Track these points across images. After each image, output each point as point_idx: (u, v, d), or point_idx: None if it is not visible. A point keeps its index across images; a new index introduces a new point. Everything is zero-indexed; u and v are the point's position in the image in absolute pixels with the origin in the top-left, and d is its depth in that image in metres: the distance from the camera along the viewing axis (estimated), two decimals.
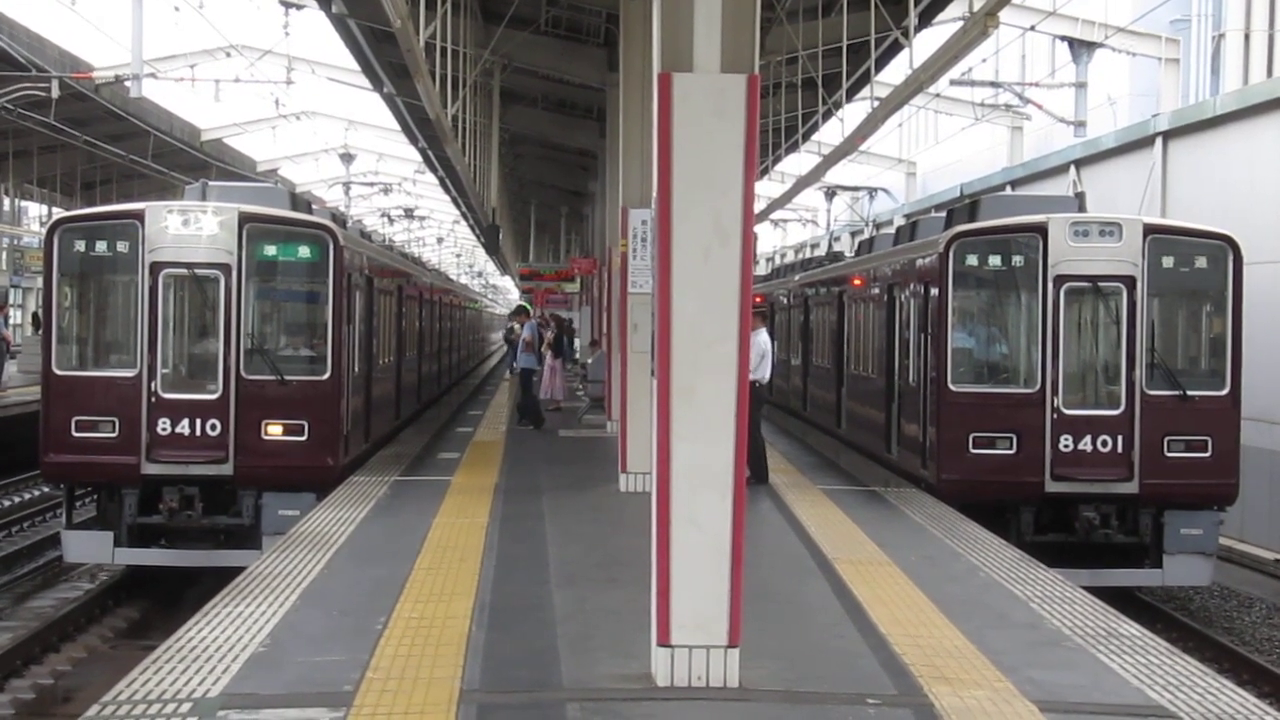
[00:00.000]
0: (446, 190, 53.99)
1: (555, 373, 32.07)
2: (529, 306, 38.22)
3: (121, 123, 39.00)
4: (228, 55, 38.78)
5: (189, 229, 18.36)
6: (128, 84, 33.48)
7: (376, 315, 22.66)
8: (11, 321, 39.13)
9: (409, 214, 65.28)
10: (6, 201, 44.87)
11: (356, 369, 20.44)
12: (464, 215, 64.02)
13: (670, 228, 8.79)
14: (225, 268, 18.34)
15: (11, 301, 40.77)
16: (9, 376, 35.81)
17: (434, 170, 47.92)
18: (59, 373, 18.54)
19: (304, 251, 18.80)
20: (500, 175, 33.79)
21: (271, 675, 9.21)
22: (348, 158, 52.02)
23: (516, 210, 53.41)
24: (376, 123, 48.51)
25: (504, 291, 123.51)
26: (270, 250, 18.72)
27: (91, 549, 18.79)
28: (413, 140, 41.90)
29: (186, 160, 44.21)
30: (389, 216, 64.46)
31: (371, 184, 56.05)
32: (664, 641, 8.83)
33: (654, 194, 9.00)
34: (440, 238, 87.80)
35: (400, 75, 29.35)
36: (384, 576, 12.49)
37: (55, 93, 30.83)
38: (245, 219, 18.49)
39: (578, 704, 8.59)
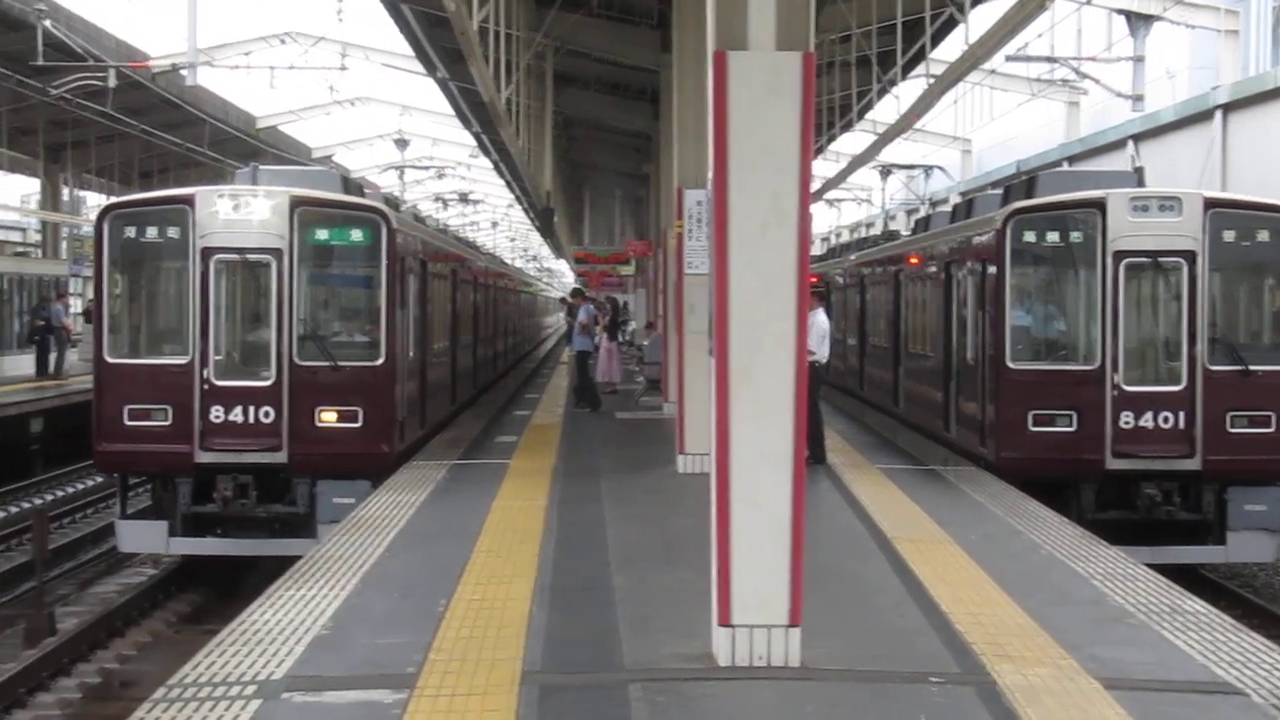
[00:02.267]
0: (501, 174, 54.04)
1: (611, 355, 32.08)
2: (585, 290, 38.14)
3: (177, 111, 39.20)
4: (282, 42, 38.91)
5: (240, 214, 18.09)
6: (183, 72, 33.63)
7: (430, 299, 22.38)
8: (71, 310, 39.39)
9: (463, 198, 65.37)
10: (65, 191, 45.17)
11: (411, 354, 20.19)
12: (518, 199, 64.10)
13: (727, 207, 8.77)
14: (277, 252, 18.05)
15: (72, 290, 41.07)
16: (70, 365, 36.10)
17: (488, 154, 47.98)
18: (111, 361, 18.30)
19: (356, 235, 18.49)
20: (554, 158, 33.80)
21: (335, 657, 9.26)
22: (402, 143, 52.11)
23: (570, 193, 53.42)
24: (430, 108, 48.53)
25: (558, 275, 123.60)
26: (322, 234, 18.43)
27: (146, 538, 18.62)
28: (466, 125, 41.98)
29: (242, 148, 44.41)
30: (443, 201, 64.57)
31: (425, 168, 56.11)
32: (725, 621, 8.82)
33: (710, 173, 8.98)
34: (495, 222, 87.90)
35: (454, 60, 29.40)
36: (444, 559, 12.52)
37: (112, 82, 31.02)
38: (297, 203, 18.23)
39: (640, 684, 8.59)
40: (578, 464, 19.37)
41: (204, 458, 17.89)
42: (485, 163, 54.44)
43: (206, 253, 18.04)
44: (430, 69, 31.93)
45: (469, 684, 8.59)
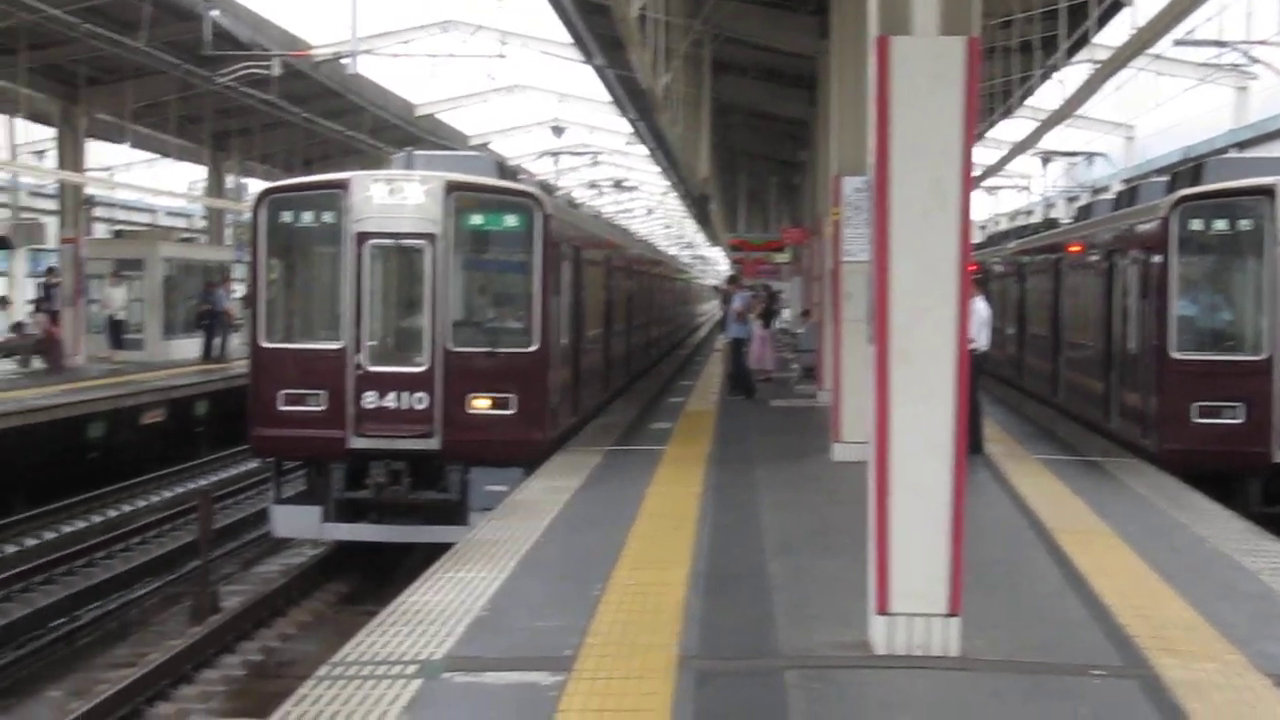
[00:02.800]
0: (656, 161, 54.14)
1: (766, 343, 32.01)
2: (740, 277, 38.09)
3: (338, 99, 39.72)
4: (443, 30, 39.26)
5: (394, 198, 18.04)
6: (344, 61, 34.16)
7: (584, 286, 22.25)
8: (234, 295, 40.11)
9: (618, 185, 65.54)
10: (230, 179, 45.99)
11: (564, 341, 20.03)
12: (673, 186, 64.16)
13: (888, 193, 8.71)
14: (431, 238, 17.97)
15: (235, 276, 41.81)
16: (232, 349, 36.80)
17: (644, 142, 48.08)
18: (266, 346, 18.35)
19: (510, 220, 18.37)
20: (710, 145, 33.76)
21: (494, 639, 9.35)
22: (559, 130, 52.37)
23: (726, 181, 53.33)
24: (587, 95, 48.73)
25: (712, 263, 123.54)
26: (476, 219, 18.34)
27: (300, 524, 18.61)
28: (623, 112, 42.09)
29: (400, 135, 44.88)
30: (598, 187, 64.81)
31: (579, 153, 56.27)
32: (883, 609, 8.77)
33: (871, 159, 8.92)
34: (650, 209, 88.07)
35: (611, 47, 29.48)
36: (600, 544, 12.58)
37: (276, 71, 31.52)
38: (451, 187, 18.15)
39: (796, 671, 8.57)
40: (732, 451, 19.35)
41: (357, 443, 17.90)
42: (641, 149, 54.55)
43: (361, 237, 18.00)
44: (588, 56, 32.06)
45: (625, 668, 8.62)
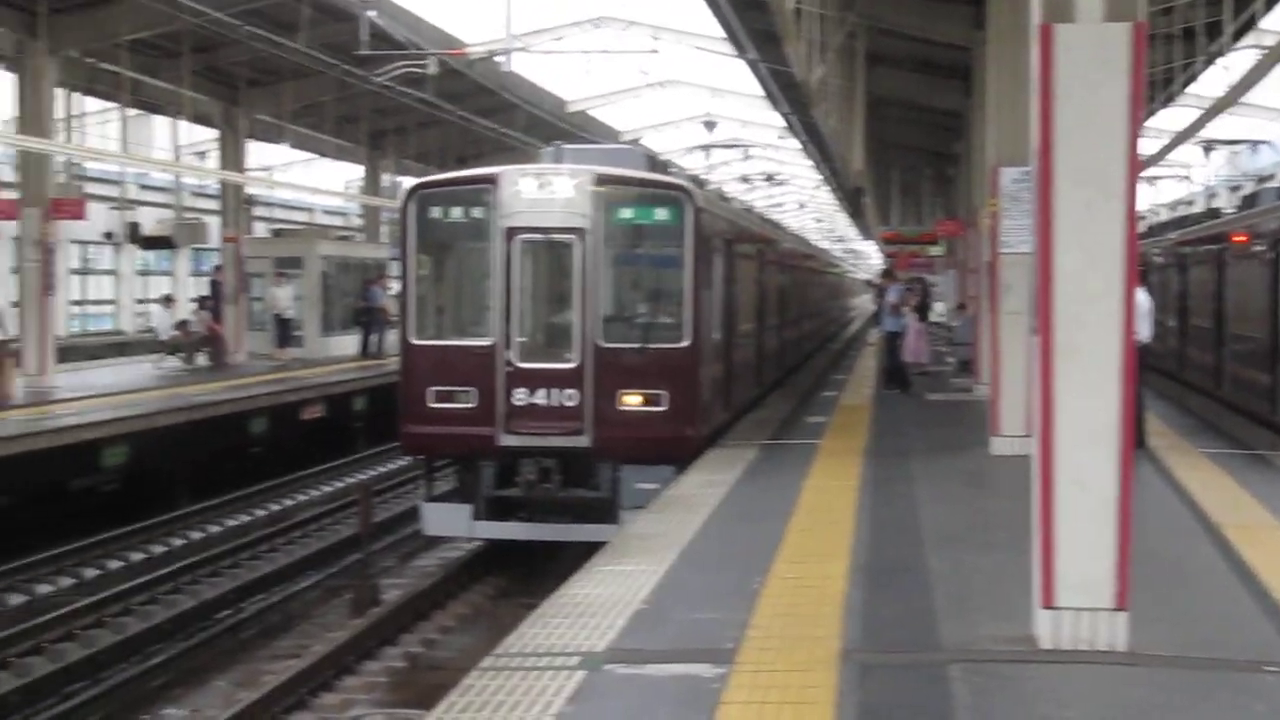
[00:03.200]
0: (809, 155, 53.90)
1: (921, 336, 31.75)
2: (894, 270, 37.83)
3: (493, 97, 40.07)
4: (596, 26, 39.45)
5: (544, 192, 17.86)
6: (499, 59, 34.45)
7: (735, 280, 21.91)
8: (390, 292, 40.63)
9: (770, 179, 65.39)
10: (385, 177, 46.56)
11: (716, 336, 19.76)
12: (826, 180, 63.86)
13: (1051, 183, 8.61)
14: (580, 232, 17.78)
15: (392, 273, 42.34)
16: (389, 345, 37.27)
17: (796, 135, 47.88)
18: (416, 343, 18.26)
19: (661, 214, 18.12)
20: (863, 138, 33.54)
21: (655, 631, 9.38)
22: (710, 125, 52.37)
23: (878, 174, 52.98)
24: (739, 89, 48.66)
25: (864, 256, 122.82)
26: (626, 213, 18.10)
27: (450, 522, 18.53)
28: (775, 106, 41.94)
29: (553, 132, 45.07)
30: (750, 182, 64.71)
31: (730, 146, 56.22)
32: (1048, 603, 8.67)
33: (1033, 150, 8.81)
34: (802, 203, 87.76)
35: (764, 41, 29.38)
36: (758, 537, 12.57)
37: (432, 70, 31.88)
38: (601, 181, 17.96)
39: (960, 665, 8.50)
40: (888, 445, 19.24)
41: (507, 441, 17.79)
42: (793, 143, 54.35)
43: (510, 233, 17.85)
44: (740, 50, 31.98)
45: (788, 661, 8.61)
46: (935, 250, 48.35)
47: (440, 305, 18.95)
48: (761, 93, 40.93)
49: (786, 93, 35.91)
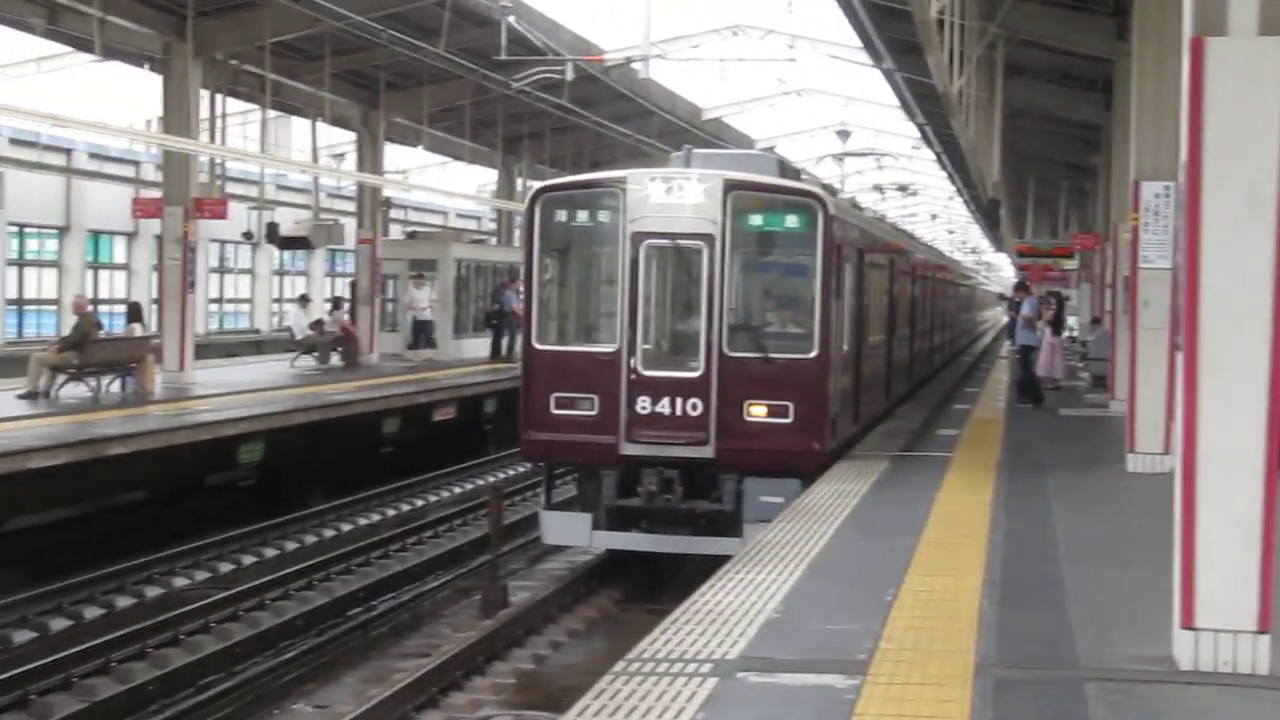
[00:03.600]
0: (943, 166, 53.54)
1: (1055, 350, 31.43)
2: (1028, 283, 37.48)
3: (628, 103, 40.23)
4: (734, 34, 39.48)
5: (672, 197, 17.41)
6: (635, 65, 34.58)
7: (866, 290, 21.42)
8: (522, 296, 40.86)
9: (903, 190, 65.05)
10: (519, 181, 46.91)
11: (845, 347, 19.25)
12: (959, 191, 63.39)
13: (1200, 199, 8.49)
14: (709, 238, 17.32)
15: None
16: (520, 349, 37.47)
17: (930, 146, 47.60)
18: (539, 348, 17.92)
19: (792, 221, 17.68)
20: (1000, 150, 33.27)
21: (786, 641, 9.36)
22: (844, 134, 52.22)
23: (1013, 186, 52.51)
24: (874, 99, 48.52)
25: (996, 269, 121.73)
26: (756, 220, 17.68)
27: (570, 531, 18.15)
28: (910, 116, 41.73)
29: (687, 139, 45.09)
30: (882, 191, 64.39)
31: (862, 155, 55.93)
32: (1188, 624, 8.55)
33: (1182, 165, 8.70)
34: (934, 214, 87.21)
35: (901, 51, 29.25)
36: (890, 549, 12.51)
37: (569, 76, 32.08)
38: (730, 186, 17.43)
39: (1097, 683, 8.41)
40: (1022, 459, 19.06)
41: (629, 450, 17.38)
42: (927, 154, 54.05)
43: (637, 238, 17.44)
44: (877, 60, 31.86)
45: (921, 673, 8.56)
46: (1069, 264, 47.83)
47: (564, 310, 18.74)
48: (896, 102, 40.77)
49: (922, 103, 35.72)
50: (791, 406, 17.30)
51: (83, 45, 28.41)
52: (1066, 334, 42.81)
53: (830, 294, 17.66)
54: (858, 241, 20.48)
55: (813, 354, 17.53)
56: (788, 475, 17.02)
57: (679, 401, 17.31)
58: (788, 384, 17.37)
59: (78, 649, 15.00)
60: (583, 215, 17.99)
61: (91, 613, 17.48)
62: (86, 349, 24.11)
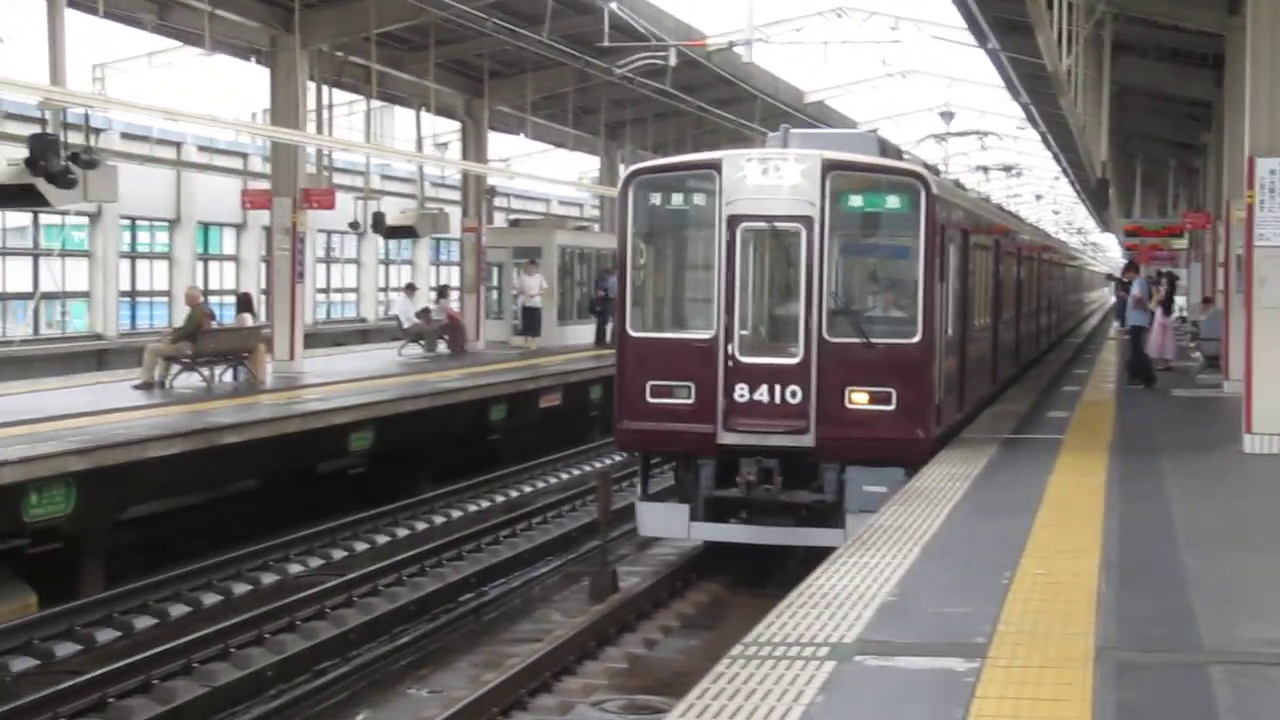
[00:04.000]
0: (1048, 146, 53.04)
1: (1166, 330, 31.04)
2: (1138, 263, 37.03)
3: (730, 87, 40.13)
4: (837, 16, 39.26)
5: (769, 178, 16.93)
6: (738, 50, 34.48)
7: (971, 272, 20.80)
8: None
9: (1007, 170, 64.48)
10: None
11: (949, 331, 18.63)
12: (1064, 172, 62.75)
13: None
14: (807, 220, 16.82)
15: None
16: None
17: (1035, 126, 47.15)
18: (633, 335, 17.53)
19: (893, 201, 17.17)
20: (1108, 129, 32.86)
21: (903, 624, 9.31)
22: (948, 115, 51.79)
23: (1121, 165, 51.90)
24: (978, 79, 48.09)
25: (1101, 249, 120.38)
26: (856, 200, 17.16)
27: (666, 522, 17.88)
28: (1015, 96, 41.36)
29: (790, 123, 45.06)
30: (985, 171, 63.84)
31: (964, 134, 55.38)
32: None
33: None
34: (1039, 194, 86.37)
35: (1005, 30, 29.04)
36: (1004, 532, 12.41)
37: (672, 61, 32.04)
38: (829, 166, 16.90)
39: (1222, 666, 8.29)
40: (1134, 441, 18.83)
41: (727, 439, 17.00)
42: (1031, 135, 53.54)
43: (733, 220, 17.02)
44: (981, 40, 31.59)
45: (1041, 657, 8.49)
46: (1178, 243, 47.16)
47: (659, 296, 18.30)
48: (1000, 83, 40.41)
49: (1027, 82, 35.40)
50: (894, 393, 16.81)
51: (192, 40, 28.78)
52: (1176, 314, 42.21)
53: (933, 276, 17.11)
54: (961, 222, 19.91)
55: (916, 339, 17.01)
56: (891, 464, 16.61)
57: (778, 389, 16.88)
58: (890, 370, 16.87)
59: (198, 634, 15.21)
60: (677, 198, 17.64)
61: (210, 599, 17.73)
62: (200, 340, 24.43)
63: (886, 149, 19.51)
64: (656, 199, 17.63)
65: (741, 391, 16.94)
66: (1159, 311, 30.51)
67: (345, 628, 16.19)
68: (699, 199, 17.38)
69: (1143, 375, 26.90)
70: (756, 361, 17.04)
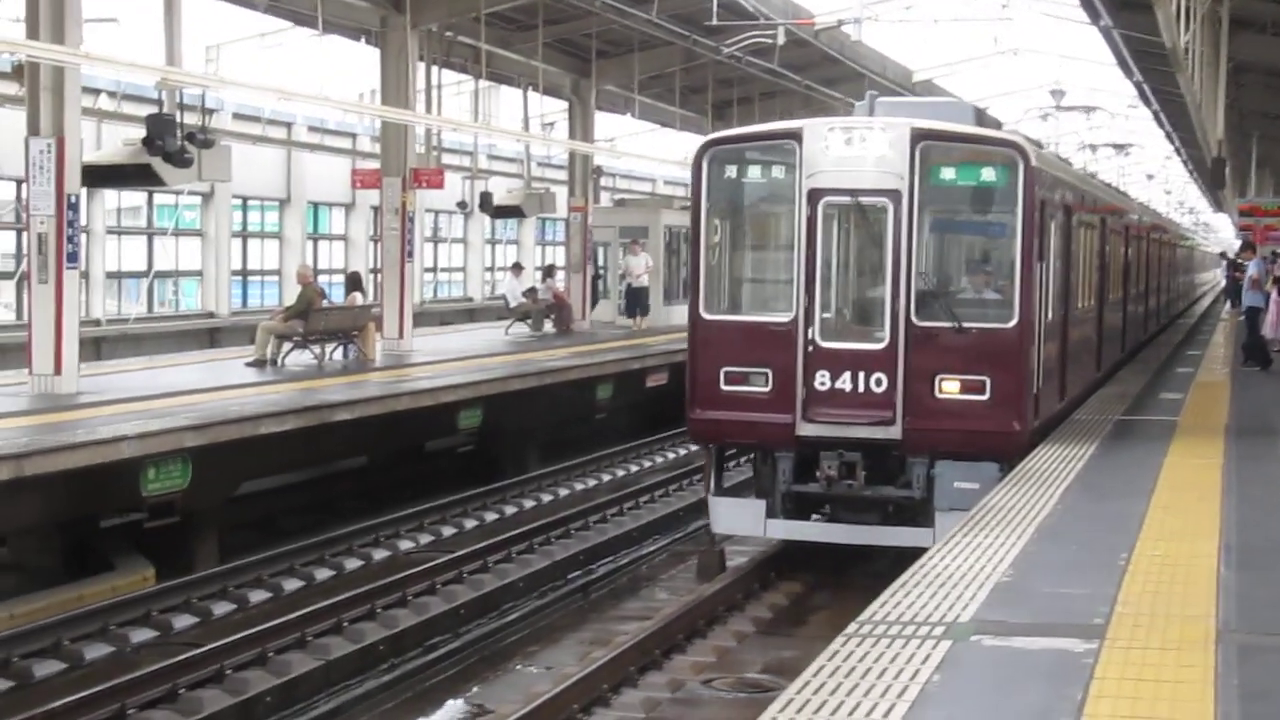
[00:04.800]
0: (1160, 124, 52.31)
1: None
2: (1254, 244, 36.47)
3: (837, 66, 39.92)
4: None
5: (853, 149, 15.75)
6: (847, 29, 34.30)
7: (1074, 251, 19.51)
8: None
9: (1118, 149, 63.70)
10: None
11: (1050, 315, 17.39)
12: (1176, 150, 61.89)
13: None
14: (894, 194, 15.64)
15: None
16: None
17: (1148, 104, 46.51)
18: (707, 317, 16.39)
19: (988, 174, 16.01)
20: (1224, 107, 32.34)
21: (1019, 604, 9.25)
22: (1058, 93, 51.21)
23: (1235, 144, 51.11)
24: (1089, 57, 47.46)
25: (1213, 229, 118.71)
26: (948, 173, 15.96)
27: (742, 519, 16.84)
28: (1127, 74, 40.82)
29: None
30: (1093, 149, 63.08)
31: (1070, 109, 54.54)
32: None
33: None
34: (1150, 174, 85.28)
35: (1118, 7, 28.61)
36: (1119, 513, 12.29)
37: (780, 40, 31.93)
38: (918, 136, 15.68)
39: None
40: (1251, 423, 18.56)
41: (807, 430, 15.83)
42: (1143, 113, 52.82)
43: (814, 195, 15.81)
44: (1094, 16, 31.17)
45: (1161, 638, 8.40)
46: None
47: (735, 276, 17.04)
48: (1113, 60, 39.89)
49: (1140, 60, 34.91)
50: (988, 381, 15.61)
51: (304, 20, 29.02)
52: None
53: (1031, 256, 15.89)
54: (1064, 199, 18.72)
55: (1012, 323, 15.77)
56: (984, 459, 15.58)
57: (861, 376, 15.72)
58: (984, 357, 15.65)
59: (311, 609, 15.39)
60: (754, 170, 16.56)
61: (322, 574, 17.92)
62: (311, 318, 24.68)
63: (984, 120, 18.25)
64: (733, 171, 16.48)
65: (822, 379, 15.80)
66: (1275, 292, 30.03)
67: (456, 603, 16.31)
68: (778, 171, 16.23)
69: (1259, 357, 26.52)
70: (839, 347, 15.90)
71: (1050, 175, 17.65)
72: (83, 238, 24.16)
